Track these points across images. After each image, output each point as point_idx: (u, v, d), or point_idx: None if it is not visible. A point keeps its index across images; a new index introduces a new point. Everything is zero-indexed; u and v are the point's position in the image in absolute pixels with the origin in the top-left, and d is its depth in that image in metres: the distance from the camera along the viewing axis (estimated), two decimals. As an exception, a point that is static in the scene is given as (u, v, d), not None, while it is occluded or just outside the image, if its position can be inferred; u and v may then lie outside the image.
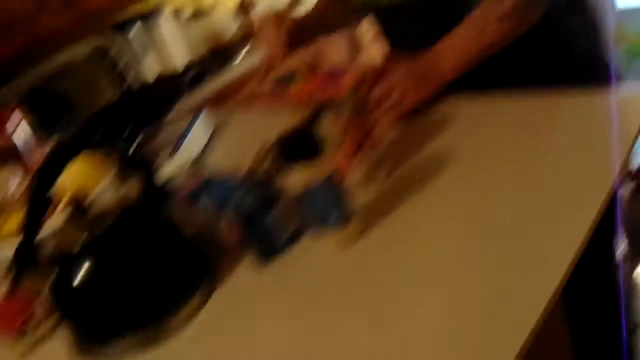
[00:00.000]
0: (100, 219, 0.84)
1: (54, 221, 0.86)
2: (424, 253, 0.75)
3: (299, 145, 0.78)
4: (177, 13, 2.73)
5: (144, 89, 0.89)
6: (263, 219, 0.83)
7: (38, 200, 0.80)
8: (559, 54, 1.06)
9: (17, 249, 0.80)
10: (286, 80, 1.11)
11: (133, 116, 0.88)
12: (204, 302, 0.83)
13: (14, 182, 1.28)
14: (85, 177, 0.96)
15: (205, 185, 0.93)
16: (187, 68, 1.97)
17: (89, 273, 0.80)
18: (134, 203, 0.85)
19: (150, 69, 2.55)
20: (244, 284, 0.84)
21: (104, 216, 0.85)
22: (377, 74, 0.99)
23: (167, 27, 2.62)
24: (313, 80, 1.08)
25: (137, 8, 2.57)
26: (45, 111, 1.71)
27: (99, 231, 0.82)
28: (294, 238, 0.86)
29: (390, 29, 1.27)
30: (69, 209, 0.84)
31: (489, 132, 0.95)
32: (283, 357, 0.68)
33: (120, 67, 2.34)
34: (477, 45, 1.01)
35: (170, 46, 2.62)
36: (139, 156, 0.85)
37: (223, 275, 0.86)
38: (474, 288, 0.65)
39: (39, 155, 1.47)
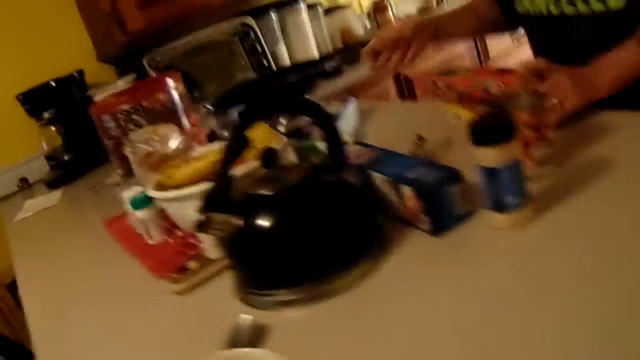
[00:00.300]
0: (285, 174, 0.90)
1: (243, 169, 0.92)
2: (584, 250, 0.75)
3: (487, 129, 0.80)
4: (312, 5, 2.83)
5: (283, 72, 0.93)
6: (441, 194, 0.86)
7: (233, 152, 0.86)
8: None
9: (208, 194, 0.86)
10: (444, 73, 1.14)
11: (274, 95, 0.92)
12: (372, 267, 0.86)
13: (173, 139, 1.35)
14: (268, 138, 1.02)
15: (382, 158, 0.97)
16: (323, 58, 2.05)
17: (268, 222, 0.84)
18: (319, 164, 0.90)
19: (284, 55, 2.64)
20: (414, 254, 0.87)
21: (288, 172, 0.90)
22: (542, 75, 1.02)
23: (304, 17, 2.71)
24: (479, 72, 1.11)
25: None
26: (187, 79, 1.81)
27: (285, 185, 0.87)
28: (469, 215, 0.89)
29: (545, 39, 1.28)
30: (258, 161, 0.89)
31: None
32: (448, 328, 0.70)
33: (257, 49, 2.43)
34: (636, 65, 1.03)
35: (305, 36, 2.70)
36: (326, 121, 0.89)
37: (394, 244, 0.90)
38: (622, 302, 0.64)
39: (193, 117, 1.56)
